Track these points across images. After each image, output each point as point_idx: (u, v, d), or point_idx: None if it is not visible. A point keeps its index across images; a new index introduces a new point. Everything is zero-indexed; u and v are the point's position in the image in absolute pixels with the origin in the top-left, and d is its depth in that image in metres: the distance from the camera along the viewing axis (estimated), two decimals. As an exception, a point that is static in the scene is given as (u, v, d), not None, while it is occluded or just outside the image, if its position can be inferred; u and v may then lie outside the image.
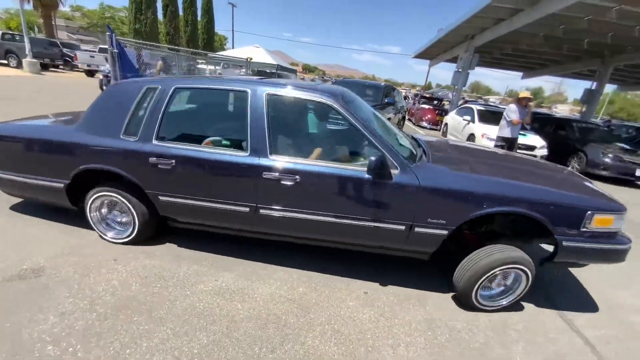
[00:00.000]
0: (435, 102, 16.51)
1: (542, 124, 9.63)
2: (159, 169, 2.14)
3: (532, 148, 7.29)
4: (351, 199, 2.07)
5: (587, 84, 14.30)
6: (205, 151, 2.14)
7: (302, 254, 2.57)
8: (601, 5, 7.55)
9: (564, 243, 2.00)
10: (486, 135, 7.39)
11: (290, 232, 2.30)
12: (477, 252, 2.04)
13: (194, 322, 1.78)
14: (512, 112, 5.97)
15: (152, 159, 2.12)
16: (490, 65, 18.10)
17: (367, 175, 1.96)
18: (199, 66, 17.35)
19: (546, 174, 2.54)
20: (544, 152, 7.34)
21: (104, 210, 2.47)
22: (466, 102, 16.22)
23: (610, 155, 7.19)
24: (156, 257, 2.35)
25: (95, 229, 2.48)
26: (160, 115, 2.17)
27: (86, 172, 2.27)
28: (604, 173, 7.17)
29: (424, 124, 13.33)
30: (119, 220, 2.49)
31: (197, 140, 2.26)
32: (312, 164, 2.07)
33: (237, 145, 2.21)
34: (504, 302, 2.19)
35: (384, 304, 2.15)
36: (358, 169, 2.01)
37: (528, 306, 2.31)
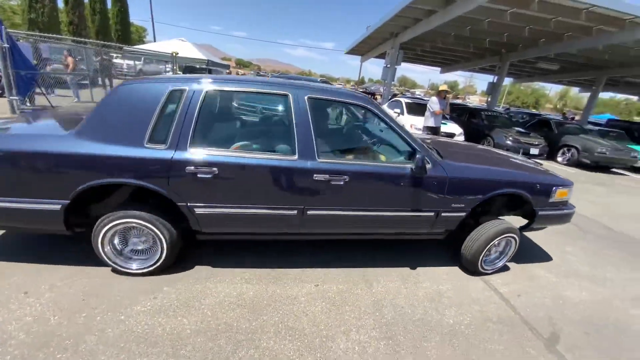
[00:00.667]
0: (369, 96, 17.51)
1: (458, 113, 10.93)
2: (197, 179, 1.95)
3: (452, 135, 8.22)
4: (393, 194, 2.29)
5: (490, 78, 16.66)
6: (251, 157, 2.03)
7: (252, 255, 2.52)
8: (497, 8, 8.80)
9: (540, 213, 2.65)
10: (414, 126, 8.09)
11: (334, 230, 2.39)
12: (479, 227, 2.51)
13: (132, 349, 1.61)
14: (434, 103, 6.64)
15: (190, 168, 1.92)
16: (413, 60, 19.79)
17: (407, 172, 2.22)
18: (115, 61, 15.37)
19: (521, 164, 3.01)
20: (462, 138, 8.35)
21: (116, 241, 2.08)
22: (394, 95, 17.55)
23: (510, 138, 8.53)
24: (75, 284, 2.04)
25: (110, 262, 2.09)
26: (194, 120, 1.95)
27: (92, 189, 1.90)
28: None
29: (360, 117, 14.02)
30: (138, 248, 2.13)
31: (243, 146, 2.17)
32: (359, 164, 2.23)
33: (281, 149, 2.17)
34: (500, 264, 2.73)
35: (334, 293, 2.23)
36: (399, 165, 2.27)
37: (457, 274, 2.64)
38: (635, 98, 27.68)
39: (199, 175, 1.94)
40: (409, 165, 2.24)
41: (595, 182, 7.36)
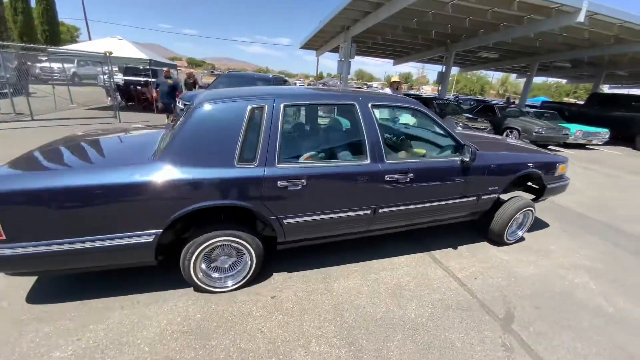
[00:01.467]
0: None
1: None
2: (288, 192, 2.03)
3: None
4: (449, 184, 2.60)
5: (439, 68, 17.48)
6: (333, 165, 2.20)
7: (198, 273, 2.28)
8: (439, 0, 9.16)
9: (549, 186, 3.22)
10: (371, 118, 8.20)
11: (397, 224, 2.61)
12: (504, 205, 2.94)
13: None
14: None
15: (282, 182, 1.99)
16: (367, 54, 20.12)
17: (457, 164, 2.55)
18: (42, 65, 13.59)
19: (530, 148, 3.57)
20: (417, 127, 8.64)
21: (203, 265, 2.08)
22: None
23: (461, 123, 8.98)
24: (-23, 334, 1.68)
25: (200, 280, 2.06)
26: (278, 136, 2.02)
27: (187, 215, 1.86)
28: (458, 139, 8.94)
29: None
30: (225, 265, 2.15)
31: (312, 155, 2.33)
32: (420, 161, 2.57)
33: (354, 155, 2.34)
34: (520, 234, 3.20)
35: (292, 302, 2.09)
36: (449, 159, 2.58)
37: (417, 266, 2.63)
38: (564, 81, 30.83)
39: (289, 189, 2.02)
40: (457, 158, 2.57)
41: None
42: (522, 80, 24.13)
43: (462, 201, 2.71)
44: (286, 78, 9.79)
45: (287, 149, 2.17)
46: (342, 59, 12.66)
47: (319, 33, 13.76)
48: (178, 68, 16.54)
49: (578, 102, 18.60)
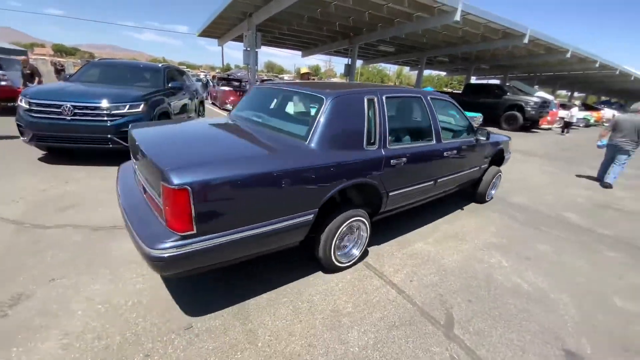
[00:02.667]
0: (237, 83, 16.24)
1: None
2: (395, 169, 2.43)
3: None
4: (473, 156, 3.54)
5: (345, 60, 18.15)
6: (421, 146, 2.75)
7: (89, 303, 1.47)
8: (339, -8, 9.20)
9: (505, 157, 4.38)
10: (285, 111, 7.76)
11: (446, 190, 3.34)
12: (487, 172, 3.98)
13: None
14: (299, 86, 6.37)
15: (394, 161, 2.40)
16: (274, 44, 19.47)
17: (473, 142, 3.42)
18: None
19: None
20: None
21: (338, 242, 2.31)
22: (263, 81, 16.91)
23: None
24: None
25: (336, 258, 2.32)
26: (386, 122, 2.41)
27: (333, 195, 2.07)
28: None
29: (229, 106, 12.79)
30: (348, 243, 2.47)
31: (401, 138, 2.69)
32: (459, 140, 3.26)
33: (425, 137, 2.87)
34: (493, 192, 4.34)
35: (212, 340, 1.51)
36: (469, 139, 3.40)
37: (352, 279, 2.34)
38: (443, 73, 36.28)
39: (396, 166, 2.42)
40: (472, 138, 3.44)
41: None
42: (413, 73, 27.38)
43: (476, 169, 3.70)
44: (185, 69, 8.46)
45: (391, 133, 2.47)
46: (248, 49, 11.78)
47: (218, 19, 12.46)
48: (40, 56, 12.73)
49: (455, 92, 22.05)
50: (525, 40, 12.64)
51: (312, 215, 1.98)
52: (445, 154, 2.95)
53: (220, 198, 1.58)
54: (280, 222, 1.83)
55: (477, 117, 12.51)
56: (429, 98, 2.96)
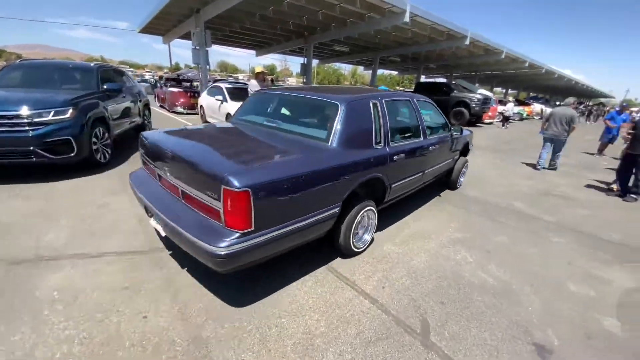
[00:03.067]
0: (187, 83, 15.19)
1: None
2: (396, 163, 2.79)
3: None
4: (448, 149, 4.02)
5: (300, 60, 18.00)
6: (413, 142, 3.14)
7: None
8: (291, -10, 9.00)
9: (470, 148, 4.92)
10: (241, 113, 7.37)
11: (429, 180, 3.81)
12: (458, 162, 4.53)
13: None
14: (254, 87, 6.05)
15: (395, 157, 2.76)
16: (226, 43, 18.64)
17: (449, 137, 3.95)
18: None
19: None
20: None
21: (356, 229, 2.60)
22: (216, 81, 16.07)
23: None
24: None
25: (354, 244, 2.59)
26: (388, 123, 2.77)
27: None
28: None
29: (179, 108, 11.91)
30: (359, 231, 2.70)
31: (398, 137, 3.01)
32: (439, 136, 3.73)
33: (415, 135, 3.28)
34: (462, 179, 4.91)
35: None
36: (446, 134, 3.91)
37: (322, 293, 2.19)
38: (395, 73, 37.92)
39: (397, 161, 2.80)
40: (448, 133, 3.92)
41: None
42: (367, 73, 28.18)
43: (451, 160, 4.25)
44: (128, 69, 7.60)
45: (390, 133, 2.78)
46: (197, 47, 11.05)
47: (162, 15, 11.50)
48: None
49: (407, 90, 23.14)
50: (467, 42, 13.60)
51: (339, 208, 2.28)
52: (430, 148, 3.41)
53: (273, 197, 1.77)
54: (317, 214, 2.09)
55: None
56: (415, 100, 3.43)
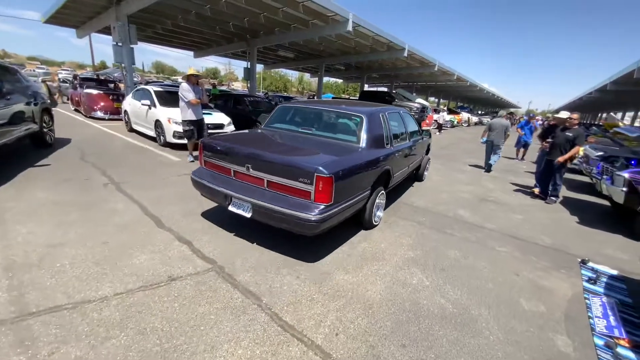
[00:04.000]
0: (110, 84, 13.27)
1: (224, 100, 10.25)
2: (396, 158, 3.74)
3: (220, 126, 7.35)
4: (420, 149, 5.07)
5: (245, 64, 17.19)
6: (404, 144, 4.10)
7: None
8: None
9: (430, 149, 6.42)
10: (173, 120, 6.48)
11: (408, 173, 4.80)
12: (423, 159, 5.74)
13: None
14: (186, 91, 5.33)
15: (396, 154, 3.76)
16: (158, 41, 16.92)
17: (422, 139, 5.13)
18: None
19: None
20: (232, 128, 7.69)
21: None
22: (148, 83, 14.39)
23: (275, 121, 8.90)
24: None
25: (374, 220, 3.48)
26: (390, 129, 3.76)
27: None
28: (276, 136, 8.86)
29: (99, 113, 10.25)
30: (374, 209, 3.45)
31: (395, 139, 3.89)
32: (416, 139, 4.80)
33: (404, 138, 4.23)
34: (426, 173, 6.12)
35: None
36: (420, 137, 5.01)
37: (262, 353, 1.73)
38: (340, 81, 39.03)
39: (397, 156, 3.78)
40: (421, 136, 5.10)
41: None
42: (314, 80, 28.38)
43: (421, 157, 5.32)
44: (40, 66, 6.07)
45: (392, 136, 3.80)
46: (119, 44, 9.65)
47: (72, 3, 9.81)
48: None
49: (352, 98, 23.82)
50: (405, 54, 14.38)
51: (369, 191, 3.16)
52: (412, 148, 4.45)
53: (342, 181, 2.57)
54: (359, 195, 2.96)
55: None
56: (402, 112, 4.57)
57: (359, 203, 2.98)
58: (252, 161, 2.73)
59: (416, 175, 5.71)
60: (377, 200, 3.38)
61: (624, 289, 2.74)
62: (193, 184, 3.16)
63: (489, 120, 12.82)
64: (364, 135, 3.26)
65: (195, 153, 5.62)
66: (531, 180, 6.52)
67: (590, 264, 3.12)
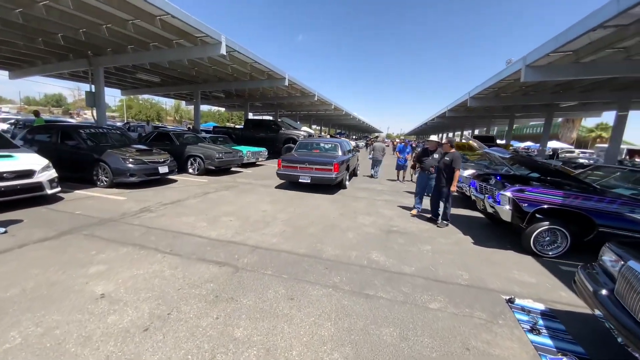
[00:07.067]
0: None
1: (48, 135, 7.25)
2: (351, 161, 9.91)
3: (28, 174, 4.77)
4: (355, 159, 11.19)
5: (89, 87, 13.48)
6: (350, 154, 10.38)
7: None
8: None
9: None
10: None
11: (353, 168, 10.60)
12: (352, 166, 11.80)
13: None
14: None
15: (350, 158, 9.69)
16: None
17: (354, 154, 11.29)
18: None
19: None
20: (50, 173, 5.15)
21: None
22: None
23: (131, 159, 6.67)
24: None
25: (346, 185, 8.57)
26: (346, 146, 10.00)
27: None
28: (132, 180, 6.61)
29: None
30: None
31: (349, 151, 10.35)
32: (354, 152, 11.60)
33: (351, 151, 10.74)
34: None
35: None
36: (354, 152, 11.59)
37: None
38: (222, 109, 37.07)
39: (351, 161, 9.64)
40: (354, 153, 11.69)
41: (225, 187, 7.66)
42: (192, 108, 25.64)
43: (354, 166, 11.03)
44: None
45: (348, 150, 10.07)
46: None
47: None
48: None
49: (237, 127, 22.51)
50: (286, 83, 14.32)
51: (346, 171, 8.45)
52: (354, 157, 10.32)
53: (342, 164, 7.88)
54: (344, 171, 8.19)
55: (262, 152, 12.61)
56: (346, 141, 11.32)
57: (344, 174, 8.04)
58: (307, 162, 7.56)
59: (354, 174, 10.67)
60: (347, 177, 8.68)
61: (564, 331, 2.47)
62: (278, 175, 7.82)
63: (363, 143, 18.18)
64: (339, 150, 8.65)
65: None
66: (410, 201, 6.85)
67: (518, 302, 2.85)
